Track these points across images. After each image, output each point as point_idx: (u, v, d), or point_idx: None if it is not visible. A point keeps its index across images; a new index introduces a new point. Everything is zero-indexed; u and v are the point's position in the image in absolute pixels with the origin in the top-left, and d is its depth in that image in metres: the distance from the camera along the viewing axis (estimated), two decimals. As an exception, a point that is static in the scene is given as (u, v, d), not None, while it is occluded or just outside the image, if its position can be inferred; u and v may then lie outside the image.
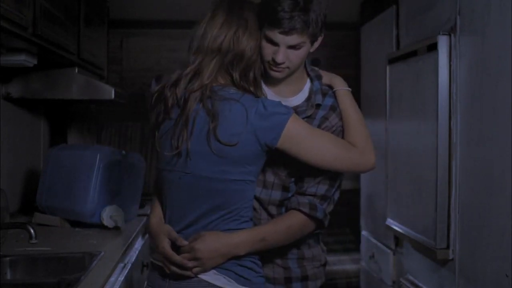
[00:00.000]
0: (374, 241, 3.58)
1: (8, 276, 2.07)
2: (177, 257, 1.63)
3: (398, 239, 3.18)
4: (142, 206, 3.13)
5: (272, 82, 1.79)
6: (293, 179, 1.77)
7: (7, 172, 2.77)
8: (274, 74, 1.74)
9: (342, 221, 4.44)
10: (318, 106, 1.78)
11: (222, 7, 1.70)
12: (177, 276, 1.65)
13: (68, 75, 2.87)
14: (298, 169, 1.74)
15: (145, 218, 2.95)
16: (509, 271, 1.96)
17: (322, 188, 1.74)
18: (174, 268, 1.64)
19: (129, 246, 2.39)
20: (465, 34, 2.33)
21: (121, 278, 2.06)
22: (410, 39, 2.92)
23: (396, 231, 2.98)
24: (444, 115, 2.44)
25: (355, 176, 4.13)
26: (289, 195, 1.77)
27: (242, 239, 1.65)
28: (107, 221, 2.53)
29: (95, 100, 3.23)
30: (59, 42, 2.48)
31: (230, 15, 1.69)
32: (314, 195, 1.74)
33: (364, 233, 3.83)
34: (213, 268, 1.64)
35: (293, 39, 1.68)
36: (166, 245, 1.66)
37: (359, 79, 3.91)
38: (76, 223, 2.63)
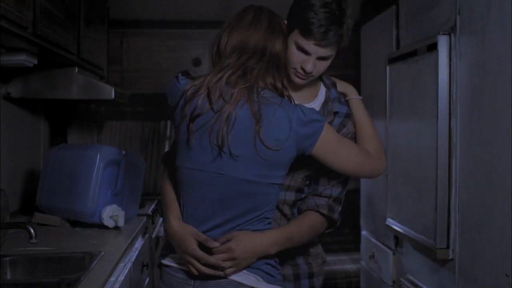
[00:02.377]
0: (374, 241, 3.58)
1: (8, 276, 2.07)
2: (211, 258, 1.63)
3: (398, 239, 3.18)
4: (142, 206, 3.13)
5: (289, 87, 1.79)
6: (307, 182, 1.81)
7: (7, 172, 2.77)
8: (298, 80, 1.77)
9: (342, 221, 4.43)
10: (335, 113, 1.83)
11: (262, 13, 1.73)
12: (204, 277, 1.66)
13: (68, 75, 2.87)
14: (313, 172, 1.80)
15: (145, 218, 2.95)
16: (509, 271, 1.96)
17: (336, 191, 1.83)
18: (204, 269, 1.64)
19: (129, 246, 2.39)
20: (465, 34, 2.33)
21: (121, 278, 2.06)
22: (410, 39, 2.92)
23: (396, 231, 2.98)
24: (444, 115, 2.44)
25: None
26: (302, 195, 1.83)
27: (274, 239, 1.69)
28: (107, 221, 2.53)
29: (95, 100, 3.23)
30: (59, 42, 2.48)
31: (271, 21, 1.72)
32: (329, 197, 1.81)
33: (364, 233, 3.83)
34: (244, 268, 1.67)
35: (326, 51, 1.72)
36: (195, 246, 1.65)
37: (359, 79, 3.91)
38: (76, 223, 2.63)
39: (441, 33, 2.44)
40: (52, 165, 2.71)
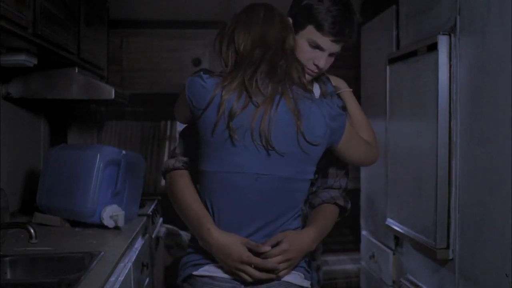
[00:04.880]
0: (374, 241, 3.58)
1: (8, 276, 2.06)
2: (268, 263, 1.62)
3: (398, 239, 3.18)
4: (142, 206, 3.13)
5: None
6: (316, 176, 1.83)
7: (7, 172, 2.77)
8: (308, 77, 1.79)
9: (342, 221, 4.43)
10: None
11: (273, 9, 1.73)
12: (255, 282, 1.64)
13: (68, 75, 2.87)
14: (321, 166, 1.82)
15: (145, 218, 2.95)
16: (509, 271, 1.96)
17: (344, 182, 1.87)
18: (260, 275, 1.62)
19: (129, 246, 2.39)
20: (465, 34, 2.33)
21: (121, 278, 2.06)
22: (410, 39, 2.92)
23: (396, 231, 2.98)
24: (444, 115, 2.44)
25: (355, 176, 4.13)
26: (314, 189, 1.85)
27: (314, 235, 1.71)
28: (107, 221, 2.53)
29: (95, 100, 3.23)
30: (59, 42, 2.48)
31: (282, 18, 1.73)
32: (339, 188, 1.86)
33: (364, 233, 3.83)
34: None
35: (338, 47, 1.76)
36: (249, 253, 1.62)
37: (359, 79, 3.91)
38: (76, 223, 2.63)
39: (441, 33, 2.44)
40: (52, 165, 2.71)
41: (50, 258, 2.13)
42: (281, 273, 1.64)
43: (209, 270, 1.68)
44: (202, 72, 1.69)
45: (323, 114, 1.64)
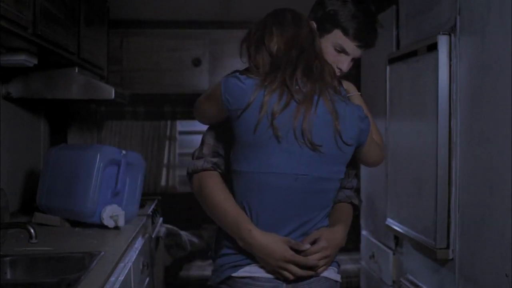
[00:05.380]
0: (374, 241, 3.58)
1: (8, 276, 2.06)
2: (310, 260, 1.65)
3: (398, 239, 3.18)
4: (142, 206, 3.13)
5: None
6: None
7: (7, 172, 2.77)
8: None
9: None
10: None
11: (299, 13, 1.76)
12: (295, 280, 1.67)
13: (68, 75, 2.87)
14: None
15: (145, 218, 2.95)
16: (509, 271, 1.96)
17: (355, 182, 1.92)
18: (302, 272, 1.65)
19: (129, 246, 2.39)
20: (465, 34, 2.33)
21: (121, 278, 2.06)
22: (410, 39, 2.91)
23: (396, 231, 2.98)
24: (444, 115, 2.44)
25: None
26: None
27: (344, 232, 1.77)
28: (107, 221, 2.53)
29: (95, 100, 3.23)
30: (59, 42, 2.48)
31: (308, 21, 1.76)
32: (351, 188, 1.90)
33: (364, 233, 3.83)
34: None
35: (361, 52, 1.80)
36: (292, 252, 1.65)
37: (359, 79, 3.91)
38: (76, 223, 2.63)
39: (441, 33, 2.44)
40: (52, 165, 2.71)
41: (50, 258, 2.13)
42: (320, 270, 1.69)
43: (250, 270, 1.69)
44: (238, 73, 1.70)
45: (355, 116, 1.69)
